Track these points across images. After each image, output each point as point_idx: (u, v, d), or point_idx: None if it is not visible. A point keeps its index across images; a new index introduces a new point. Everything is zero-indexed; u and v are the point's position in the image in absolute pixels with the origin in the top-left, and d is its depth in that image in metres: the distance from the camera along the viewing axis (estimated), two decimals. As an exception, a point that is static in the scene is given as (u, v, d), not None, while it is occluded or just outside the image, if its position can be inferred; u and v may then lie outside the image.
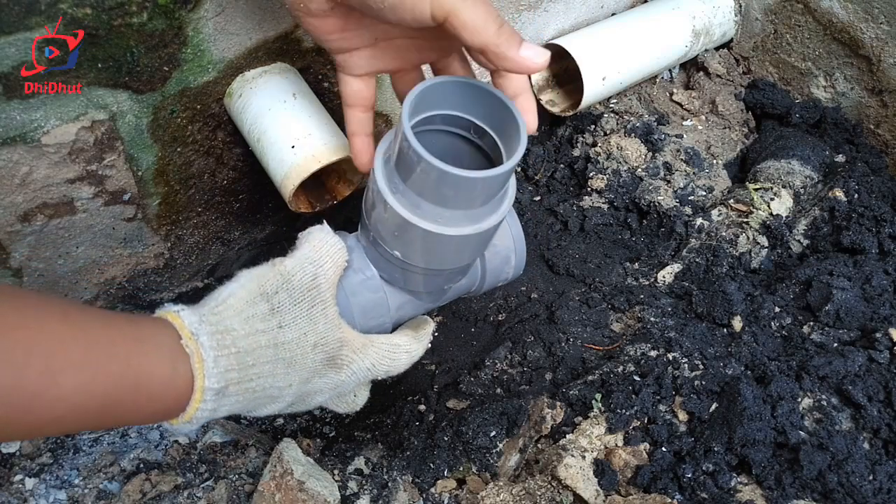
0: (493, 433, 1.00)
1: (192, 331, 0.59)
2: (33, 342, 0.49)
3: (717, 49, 1.55)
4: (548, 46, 1.40)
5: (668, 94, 1.51)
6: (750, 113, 1.50)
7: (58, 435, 0.54)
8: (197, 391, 0.58)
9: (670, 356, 1.05)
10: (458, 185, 0.63)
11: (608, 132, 1.46)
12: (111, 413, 0.54)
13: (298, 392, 0.68)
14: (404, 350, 0.76)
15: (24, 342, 0.49)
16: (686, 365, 1.03)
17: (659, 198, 1.33)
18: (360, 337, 0.71)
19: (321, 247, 0.71)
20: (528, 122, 0.68)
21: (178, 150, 1.03)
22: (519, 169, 1.51)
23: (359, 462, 1.01)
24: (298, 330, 0.66)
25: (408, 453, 1.03)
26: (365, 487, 0.97)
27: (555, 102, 1.45)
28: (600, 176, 1.40)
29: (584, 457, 0.93)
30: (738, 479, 0.90)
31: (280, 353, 0.64)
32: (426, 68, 0.79)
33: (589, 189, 1.41)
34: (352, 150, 0.79)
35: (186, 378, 0.58)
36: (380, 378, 0.77)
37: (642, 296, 1.20)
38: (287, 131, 0.97)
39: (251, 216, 1.24)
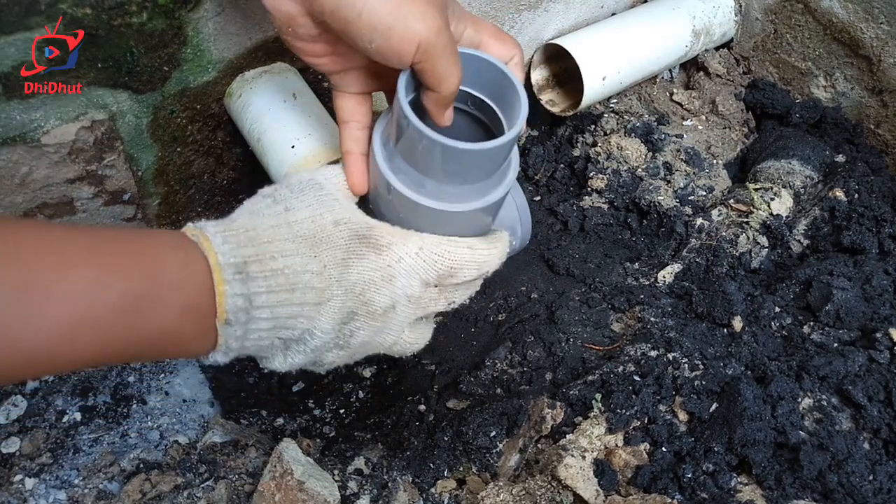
0: (493, 433, 1.00)
1: (196, 226, 0.58)
2: (40, 241, 0.48)
3: (717, 49, 1.55)
4: (548, 46, 1.40)
5: (668, 94, 1.51)
6: (750, 113, 1.50)
7: (74, 359, 0.50)
8: (214, 270, 0.55)
9: (670, 356, 1.05)
10: (462, 159, 0.61)
11: (608, 132, 1.46)
12: (137, 310, 0.51)
13: (344, 281, 0.62)
14: (466, 245, 0.68)
15: (32, 240, 0.47)
16: (686, 365, 1.03)
17: (659, 198, 1.33)
18: (401, 229, 0.66)
19: (320, 168, 0.70)
20: None
21: (178, 150, 1.03)
22: (519, 169, 1.51)
23: (359, 462, 1.01)
24: (309, 210, 0.63)
25: (408, 453, 1.03)
26: (365, 487, 0.97)
27: (555, 102, 1.45)
28: (600, 176, 1.40)
29: (584, 457, 0.93)
30: (739, 480, 0.90)
31: (297, 230, 0.61)
32: None
33: (589, 189, 1.41)
34: (345, 168, 0.75)
35: (201, 263, 0.55)
36: (455, 281, 0.69)
37: (642, 296, 1.20)
38: (287, 131, 0.97)
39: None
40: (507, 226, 0.80)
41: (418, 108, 0.65)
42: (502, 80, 0.65)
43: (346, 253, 0.63)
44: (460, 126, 0.71)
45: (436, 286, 0.69)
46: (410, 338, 0.72)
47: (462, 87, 0.66)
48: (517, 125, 0.62)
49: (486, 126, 0.71)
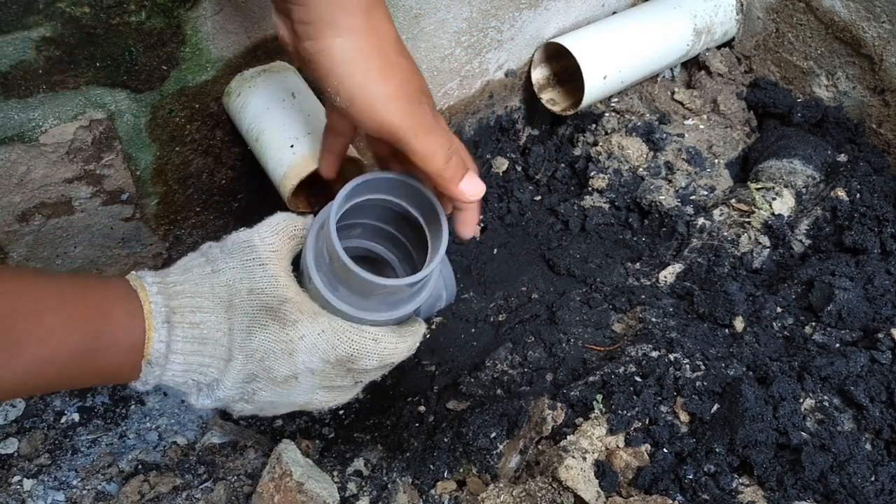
0: (493, 434, 1.00)
1: (137, 275, 0.67)
2: (16, 292, 0.58)
3: (718, 48, 1.55)
4: (549, 45, 1.39)
5: (669, 93, 1.50)
6: (752, 112, 1.50)
7: (38, 389, 0.62)
8: (147, 317, 0.64)
9: (672, 357, 1.05)
10: (372, 287, 0.67)
11: (609, 131, 1.45)
12: (95, 349, 0.62)
13: (246, 347, 0.68)
14: (371, 337, 0.72)
15: (9, 290, 0.58)
16: (687, 365, 1.03)
17: (660, 197, 1.33)
18: (315, 306, 0.71)
19: (265, 220, 0.75)
20: (464, 233, 0.77)
21: (177, 149, 1.03)
22: (519, 168, 1.51)
23: (358, 463, 1.01)
24: (231, 274, 0.69)
25: (407, 455, 1.03)
26: (364, 489, 0.97)
27: (555, 101, 1.45)
28: (601, 175, 1.40)
29: (584, 458, 0.92)
30: (740, 481, 0.90)
31: (216, 292, 0.68)
32: None
33: (590, 188, 1.41)
34: (320, 161, 0.85)
35: (141, 311, 0.65)
36: (355, 367, 0.74)
37: (644, 296, 1.20)
38: (286, 130, 0.97)
39: (250, 216, 1.23)
40: (434, 293, 0.87)
41: (365, 208, 0.74)
42: (431, 209, 0.73)
43: (252, 322, 0.69)
44: (399, 224, 0.80)
45: (344, 367, 0.74)
46: (326, 398, 0.77)
47: (400, 202, 0.75)
48: (426, 270, 0.69)
49: (421, 230, 0.77)
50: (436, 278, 0.76)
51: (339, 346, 0.71)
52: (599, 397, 1.01)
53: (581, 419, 1.00)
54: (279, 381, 0.72)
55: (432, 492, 0.98)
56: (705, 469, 0.90)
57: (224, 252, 0.71)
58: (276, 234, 0.73)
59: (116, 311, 0.64)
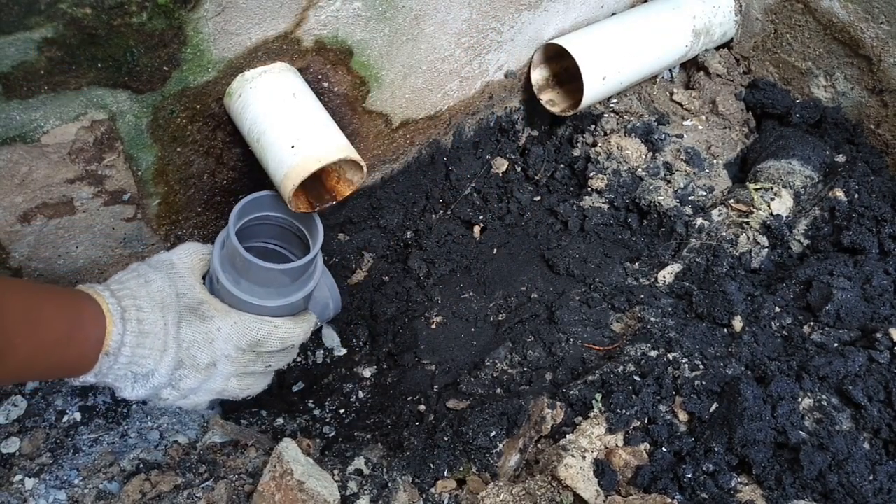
0: (493, 433, 1.00)
1: (84, 287, 0.85)
2: (9, 291, 0.74)
3: (717, 49, 1.55)
4: (548, 46, 1.40)
5: (668, 94, 1.51)
6: (750, 113, 1.50)
7: (26, 378, 0.86)
8: (107, 314, 0.82)
9: (670, 356, 1.05)
10: (265, 274, 0.88)
11: (608, 132, 1.45)
12: (68, 342, 0.78)
13: (176, 338, 0.87)
14: (273, 325, 0.92)
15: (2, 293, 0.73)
16: (686, 365, 1.03)
17: (659, 198, 1.33)
18: (226, 305, 0.91)
19: (180, 246, 0.96)
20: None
21: (178, 149, 1.03)
22: (519, 169, 1.51)
23: (359, 462, 1.01)
24: (161, 283, 0.89)
25: (408, 453, 1.03)
26: (365, 488, 0.97)
27: (555, 102, 1.45)
28: (600, 176, 1.40)
29: (584, 457, 0.93)
30: (739, 480, 0.90)
31: (153, 296, 0.87)
32: None
33: (589, 189, 1.41)
34: None
35: (101, 310, 0.82)
36: (263, 350, 0.92)
37: (642, 296, 1.20)
38: (287, 131, 0.97)
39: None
40: (321, 303, 1.10)
41: (258, 228, 0.96)
42: (308, 216, 0.94)
43: (181, 318, 0.88)
44: (290, 238, 1.00)
45: (253, 352, 0.93)
46: (240, 385, 0.96)
47: (283, 216, 0.96)
48: (308, 256, 0.90)
49: (304, 242, 0.98)
50: (319, 275, 0.95)
51: (249, 333, 0.91)
52: (598, 396, 1.01)
53: (580, 418, 1.00)
54: (201, 367, 0.90)
55: (432, 490, 0.98)
56: (704, 468, 0.90)
57: (151, 268, 0.91)
58: (190, 255, 0.94)
59: (86, 309, 0.81)
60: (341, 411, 1.23)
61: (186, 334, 0.88)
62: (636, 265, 1.30)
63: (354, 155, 0.99)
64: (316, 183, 1.08)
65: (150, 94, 0.93)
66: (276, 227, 0.98)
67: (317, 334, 1.36)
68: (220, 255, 0.91)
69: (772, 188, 1.30)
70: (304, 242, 0.97)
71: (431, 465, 1.00)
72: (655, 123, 1.44)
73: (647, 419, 0.97)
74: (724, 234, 1.25)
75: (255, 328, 0.91)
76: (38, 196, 0.95)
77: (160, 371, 0.86)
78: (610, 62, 1.35)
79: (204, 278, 0.95)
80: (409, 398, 1.16)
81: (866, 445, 0.90)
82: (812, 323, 1.08)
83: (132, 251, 1.12)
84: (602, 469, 0.91)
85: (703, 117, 1.48)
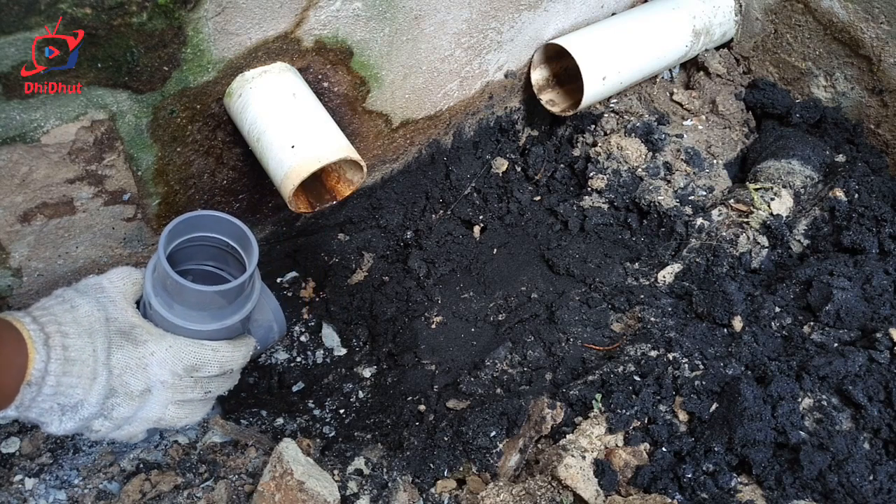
0: (493, 433, 1.00)
1: (3, 315, 0.80)
2: None
3: (717, 49, 1.55)
4: (548, 46, 1.40)
5: (668, 94, 1.51)
6: (750, 113, 1.50)
7: None
8: (28, 341, 0.77)
9: (670, 356, 1.05)
10: (197, 296, 0.83)
11: (608, 132, 1.46)
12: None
13: (108, 364, 0.82)
14: (210, 348, 0.87)
15: None
16: (686, 365, 1.03)
17: (659, 198, 1.33)
18: (160, 329, 0.86)
19: (111, 270, 0.90)
20: None
21: (178, 149, 1.03)
22: (519, 169, 1.51)
23: (359, 462, 1.01)
24: (89, 308, 0.83)
25: (408, 453, 1.03)
26: (365, 487, 0.97)
27: (555, 102, 1.45)
28: (600, 176, 1.40)
29: (584, 457, 0.93)
30: (739, 480, 0.90)
31: (80, 322, 0.82)
32: None
33: (589, 189, 1.41)
34: None
35: (22, 338, 0.77)
36: (201, 375, 0.87)
37: (642, 296, 1.20)
38: (287, 131, 0.97)
39: (251, 216, 1.24)
40: (264, 326, 1.03)
41: (193, 249, 0.90)
42: (242, 235, 0.88)
43: (111, 343, 0.83)
44: (226, 259, 0.94)
45: (190, 377, 0.88)
46: (178, 414, 0.90)
47: (218, 236, 0.89)
48: (243, 276, 0.84)
49: (241, 262, 0.92)
50: (257, 296, 0.91)
51: (185, 357, 0.86)
52: (599, 396, 1.01)
53: (580, 418, 1.00)
54: (135, 394, 0.85)
55: (432, 490, 0.98)
56: (704, 468, 0.90)
57: (79, 293, 0.85)
58: (121, 279, 0.89)
59: (6, 337, 0.76)
60: (341, 411, 1.23)
61: (118, 360, 0.83)
62: (636, 265, 1.30)
63: (354, 155, 0.99)
64: (316, 183, 1.08)
65: (150, 94, 0.93)
66: (211, 249, 0.93)
67: (316, 334, 1.36)
68: (151, 278, 0.87)
69: (772, 188, 1.30)
70: (241, 263, 0.92)
71: (431, 465, 1.00)
72: (655, 123, 1.44)
73: (647, 419, 0.97)
74: (724, 234, 1.25)
75: (190, 352, 0.86)
76: (38, 196, 0.95)
77: (90, 400, 0.81)
78: (610, 62, 1.35)
79: (138, 304, 0.91)
80: (409, 398, 1.16)
81: (866, 445, 0.90)
82: (812, 323, 1.08)
83: (132, 251, 1.12)
84: (602, 469, 0.91)
85: (703, 117, 1.48)
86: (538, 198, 1.48)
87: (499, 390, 1.12)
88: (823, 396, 0.94)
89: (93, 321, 0.83)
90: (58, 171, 0.93)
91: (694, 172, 1.38)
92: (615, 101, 1.50)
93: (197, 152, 1.06)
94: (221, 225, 0.89)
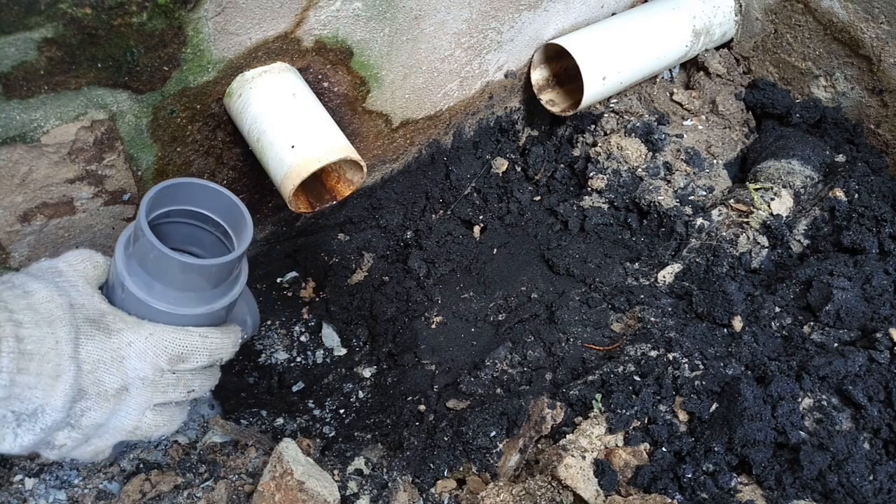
0: (493, 433, 1.00)
1: None
2: None
3: (717, 49, 1.55)
4: (548, 46, 1.40)
5: (668, 94, 1.51)
6: (750, 113, 1.50)
7: None
8: None
9: (670, 356, 1.05)
10: (187, 271, 0.71)
11: (608, 132, 1.46)
12: None
13: (76, 358, 0.68)
14: (199, 334, 0.75)
15: None
16: (686, 365, 1.03)
17: (659, 198, 1.33)
18: (134, 317, 0.73)
19: (69, 252, 0.76)
20: None
21: (178, 149, 1.03)
22: (519, 169, 1.51)
23: (359, 462, 1.01)
24: (46, 293, 0.69)
25: (408, 453, 1.03)
26: (365, 487, 0.97)
27: (555, 102, 1.45)
28: (600, 176, 1.40)
29: (584, 457, 0.93)
30: (739, 480, 0.90)
31: (37, 308, 0.67)
32: None
33: (589, 189, 1.41)
34: None
35: None
36: (187, 366, 0.75)
37: (642, 296, 1.20)
38: (287, 131, 0.97)
39: (251, 216, 1.24)
40: (239, 318, 0.92)
41: (164, 228, 0.77)
42: (237, 212, 0.77)
43: (79, 332, 0.68)
44: (204, 241, 0.82)
45: (172, 372, 0.74)
46: (155, 421, 0.76)
47: (203, 211, 0.79)
48: (239, 249, 0.74)
49: (226, 245, 0.82)
50: (244, 279, 0.81)
51: (169, 346, 0.73)
52: (599, 396, 1.01)
53: (580, 418, 1.00)
54: (110, 394, 0.71)
55: (432, 490, 0.98)
56: (704, 468, 0.90)
57: (31, 276, 0.72)
58: (81, 261, 0.76)
59: None
60: (341, 411, 1.23)
61: (88, 353, 0.69)
62: (636, 265, 1.30)
63: (355, 155, 0.99)
64: (316, 183, 1.08)
65: (150, 94, 0.93)
66: (191, 227, 0.81)
67: (316, 334, 1.36)
68: (124, 255, 0.74)
69: (772, 188, 1.30)
70: (223, 245, 0.81)
71: (431, 465, 1.00)
72: (655, 123, 1.44)
73: (647, 419, 0.97)
74: (724, 234, 1.25)
75: (175, 340, 0.73)
76: (38, 196, 0.95)
77: (54, 403, 0.66)
78: (610, 62, 1.35)
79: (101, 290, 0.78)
80: (409, 398, 1.16)
81: (866, 445, 0.90)
82: (812, 323, 1.08)
83: (132, 251, 1.12)
84: (602, 469, 0.91)
85: (703, 117, 1.48)
86: (538, 198, 1.48)
87: (499, 390, 1.12)
88: (823, 396, 0.94)
89: (53, 307, 0.68)
90: (58, 171, 0.94)
91: (694, 172, 1.38)
92: (615, 101, 1.50)
93: (197, 152, 1.06)
94: (210, 196, 0.78)
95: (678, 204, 1.32)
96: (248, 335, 0.95)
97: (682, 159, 1.39)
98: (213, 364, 0.79)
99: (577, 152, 1.48)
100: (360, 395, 1.25)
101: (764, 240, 1.24)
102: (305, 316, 1.39)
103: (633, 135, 1.42)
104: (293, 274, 1.43)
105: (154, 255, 0.70)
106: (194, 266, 0.72)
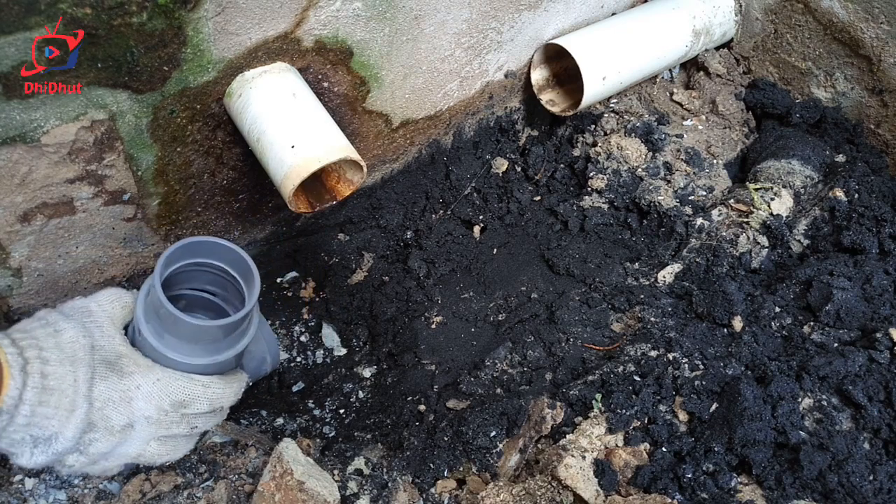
0: (493, 433, 1.00)
1: None
2: None
3: (717, 49, 1.55)
4: (548, 46, 1.40)
5: (668, 94, 1.51)
6: (750, 113, 1.50)
7: None
8: (4, 365, 0.71)
9: (670, 356, 1.05)
10: (191, 328, 0.78)
11: (608, 132, 1.46)
12: None
13: (88, 396, 0.76)
14: (200, 384, 0.82)
15: None
16: (686, 365, 1.03)
17: (659, 198, 1.33)
18: (148, 360, 0.81)
19: (100, 292, 0.85)
20: None
21: (178, 149, 1.03)
22: (519, 169, 1.51)
23: (359, 462, 1.01)
24: (73, 333, 0.78)
25: (408, 453, 1.03)
26: (365, 487, 0.97)
27: (555, 102, 1.45)
28: (600, 176, 1.40)
29: (584, 457, 0.93)
30: (739, 480, 0.90)
31: (63, 348, 0.76)
32: None
33: (589, 189, 1.41)
34: None
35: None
36: (188, 412, 0.82)
37: (642, 296, 1.20)
38: (287, 131, 0.97)
39: (251, 216, 1.24)
40: (258, 358, 0.99)
41: (192, 273, 0.85)
42: (243, 264, 0.84)
43: (94, 373, 0.77)
44: (225, 285, 0.89)
45: (178, 412, 0.82)
46: (159, 451, 0.84)
47: (218, 263, 0.85)
48: (244, 309, 0.80)
49: (241, 293, 0.87)
50: (254, 330, 0.86)
51: (173, 392, 0.81)
52: (599, 396, 1.01)
53: (580, 418, 1.00)
54: (116, 429, 0.79)
55: (432, 490, 0.98)
56: (704, 468, 0.90)
57: (64, 315, 0.80)
58: (110, 302, 0.84)
59: None
60: (341, 411, 1.23)
61: (100, 392, 0.77)
62: (636, 265, 1.30)
63: (355, 155, 0.99)
64: (316, 183, 1.08)
65: (150, 94, 0.93)
66: (210, 274, 0.88)
67: (316, 334, 1.36)
68: (144, 303, 0.81)
69: (772, 188, 1.30)
70: (241, 291, 0.86)
71: (431, 465, 1.00)
72: (655, 123, 1.44)
73: (647, 419, 0.97)
74: (724, 234, 1.25)
75: (179, 387, 0.81)
76: (38, 196, 0.95)
77: (66, 434, 0.75)
78: (610, 62, 1.35)
79: (127, 329, 0.85)
80: (409, 398, 1.16)
81: (866, 445, 0.90)
82: (812, 323, 1.08)
83: (132, 251, 1.12)
84: (602, 469, 0.91)
85: (703, 117, 1.48)
86: (538, 198, 1.48)
87: (499, 390, 1.12)
88: (823, 396, 0.94)
89: (77, 348, 0.77)
90: (58, 171, 0.94)
91: (694, 172, 1.38)
92: (615, 101, 1.50)
93: (197, 152, 1.06)
94: (222, 252, 0.84)
95: (678, 204, 1.32)
96: (269, 369, 1.02)
97: (682, 159, 1.39)
98: (213, 411, 0.86)
99: (577, 152, 1.48)
100: (360, 395, 1.25)
101: (764, 240, 1.24)
102: (305, 316, 1.39)
103: (633, 135, 1.42)
104: (293, 274, 1.43)
105: (164, 312, 0.76)
106: (198, 327, 0.78)
